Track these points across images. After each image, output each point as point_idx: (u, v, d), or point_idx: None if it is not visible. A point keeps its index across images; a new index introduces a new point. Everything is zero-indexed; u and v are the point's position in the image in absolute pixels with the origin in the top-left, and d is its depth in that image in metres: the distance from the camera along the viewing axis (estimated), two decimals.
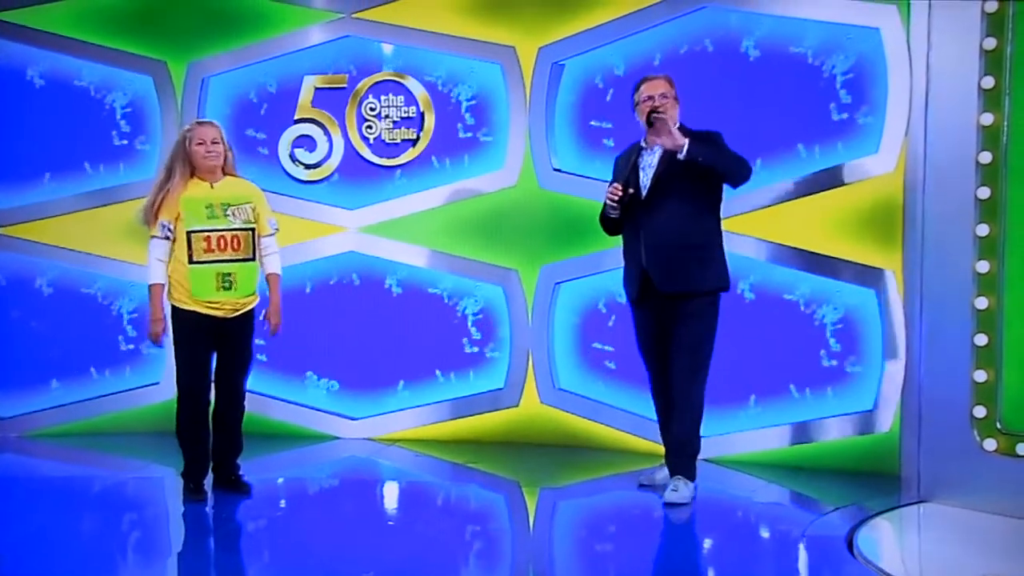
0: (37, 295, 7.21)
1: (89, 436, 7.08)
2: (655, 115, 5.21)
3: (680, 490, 5.27)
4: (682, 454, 5.36)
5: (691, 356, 5.30)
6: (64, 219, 7.14)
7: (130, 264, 6.88)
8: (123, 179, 7.12)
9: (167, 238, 5.34)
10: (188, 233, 5.30)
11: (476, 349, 6.95)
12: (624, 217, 5.39)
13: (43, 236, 7.14)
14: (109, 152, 7.15)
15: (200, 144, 5.33)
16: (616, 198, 5.30)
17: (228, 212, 5.35)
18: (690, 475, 5.35)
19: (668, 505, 5.23)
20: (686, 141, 5.12)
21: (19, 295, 7.21)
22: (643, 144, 5.45)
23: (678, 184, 5.24)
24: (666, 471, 5.50)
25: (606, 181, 5.55)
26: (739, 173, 5.23)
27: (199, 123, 5.47)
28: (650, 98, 5.32)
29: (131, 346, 7.19)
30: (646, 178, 5.34)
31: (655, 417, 5.68)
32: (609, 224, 5.51)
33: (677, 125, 5.29)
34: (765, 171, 6.13)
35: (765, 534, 5.14)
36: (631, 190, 5.30)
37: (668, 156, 5.25)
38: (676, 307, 5.30)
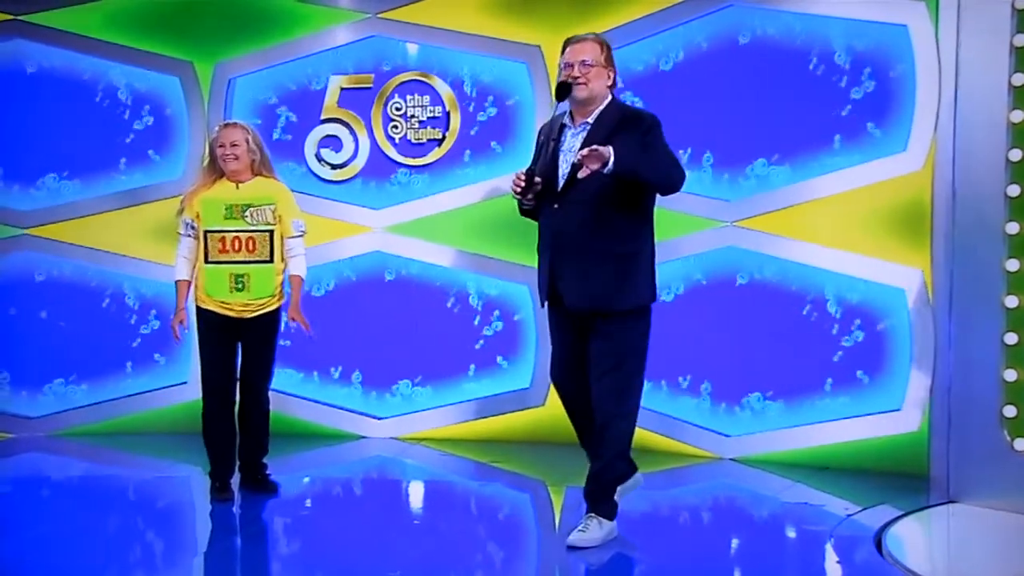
0: (64, 295, 7.25)
1: (116, 436, 7.10)
2: (574, 86, 4.49)
3: (589, 531, 4.57)
4: (598, 490, 4.64)
5: (612, 379, 4.51)
6: (91, 220, 7.17)
7: (157, 264, 6.90)
8: (150, 180, 7.15)
9: (189, 236, 5.41)
10: (205, 233, 5.36)
11: (502, 348, 6.94)
12: (540, 206, 4.63)
13: (70, 237, 7.18)
14: (136, 153, 7.18)
15: (220, 147, 5.38)
16: (519, 188, 4.52)
17: (246, 213, 5.38)
18: (607, 513, 4.65)
19: (571, 548, 4.56)
20: (610, 153, 4.25)
21: (47, 295, 7.24)
22: (566, 120, 4.65)
23: (601, 178, 4.34)
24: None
25: None
26: (667, 185, 4.47)
27: (224, 125, 5.51)
28: (569, 66, 4.53)
29: (158, 350, 7.21)
30: (566, 165, 4.54)
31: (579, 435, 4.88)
32: (528, 215, 4.75)
33: (606, 103, 4.58)
34: (792, 170, 6.10)
35: (792, 534, 5.11)
36: (538, 179, 4.50)
37: (592, 142, 4.41)
38: (591, 324, 4.54)
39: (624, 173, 4.32)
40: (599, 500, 4.63)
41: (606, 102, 4.60)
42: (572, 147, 4.55)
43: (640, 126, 4.49)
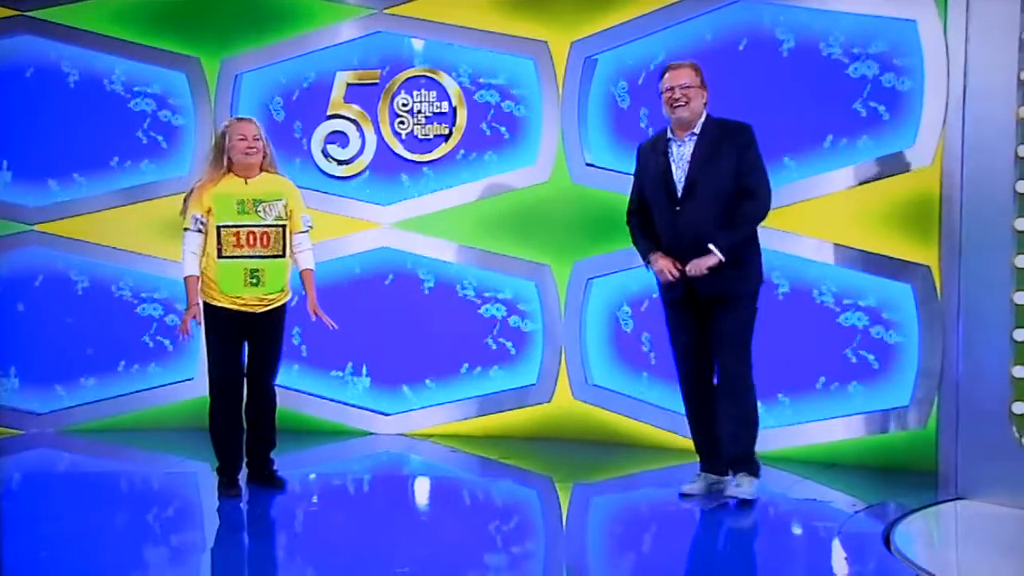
0: (72, 292, 7.27)
1: (124, 432, 7.13)
2: (677, 107, 5.13)
3: (745, 484, 5.18)
4: (743, 453, 5.23)
5: (738, 353, 5.17)
6: (98, 216, 7.19)
7: (164, 260, 6.92)
8: (156, 176, 7.17)
9: (199, 231, 5.38)
10: (218, 228, 5.34)
11: (509, 345, 6.94)
12: (655, 217, 5.29)
13: (77, 233, 7.20)
14: (143, 149, 7.19)
15: (241, 140, 5.35)
16: (674, 278, 5.14)
17: (259, 208, 5.37)
18: (754, 471, 5.25)
19: (734, 499, 5.16)
20: (718, 256, 5.03)
21: (54, 292, 7.26)
22: (670, 135, 5.26)
23: (713, 183, 5.10)
24: (707, 479, 5.39)
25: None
26: (761, 221, 5.19)
27: (239, 119, 5.49)
28: (670, 89, 5.16)
29: (166, 342, 7.23)
30: (681, 173, 5.17)
31: (686, 416, 5.49)
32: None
33: (704, 116, 5.19)
34: (800, 165, 6.09)
35: (800, 530, 5.10)
36: (679, 268, 5.13)
37: (701, 152, 5.13)
38: (715, 307, 5.17)
39: (731, 250, 5.04)
40: (745, 460, 5.22)
41: (704, 116, 5.20)
42: (683, 155, 5.18)
43: (740, 138, 5.13)
